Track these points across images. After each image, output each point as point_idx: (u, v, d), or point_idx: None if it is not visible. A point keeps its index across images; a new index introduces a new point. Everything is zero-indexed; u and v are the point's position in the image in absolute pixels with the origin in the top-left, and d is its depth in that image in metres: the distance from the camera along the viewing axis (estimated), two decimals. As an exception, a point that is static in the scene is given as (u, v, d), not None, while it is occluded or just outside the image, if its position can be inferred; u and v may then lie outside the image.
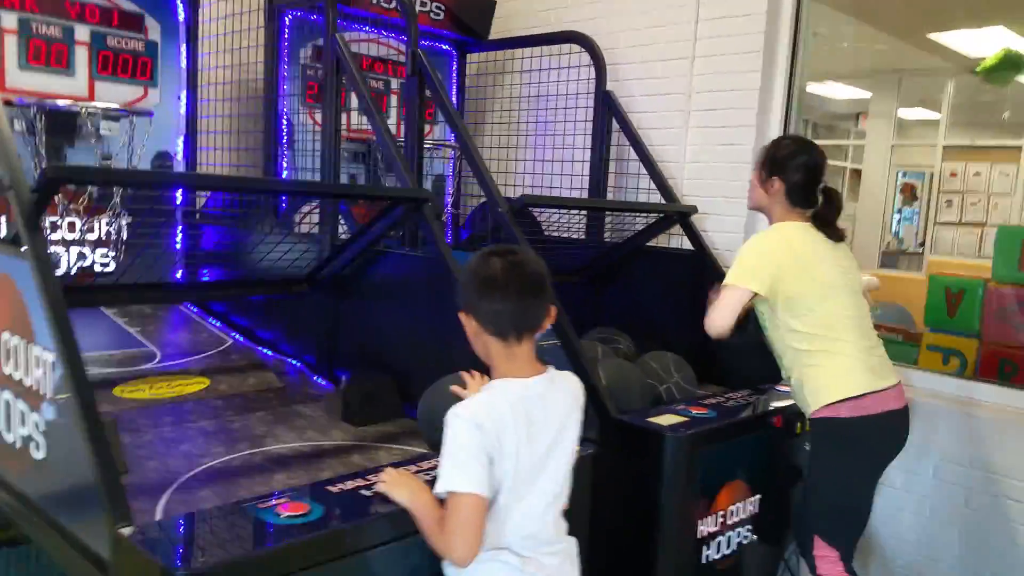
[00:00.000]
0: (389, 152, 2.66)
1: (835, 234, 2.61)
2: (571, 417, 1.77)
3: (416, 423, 2.44)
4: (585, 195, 4.00)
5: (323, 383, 2.92)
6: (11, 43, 2.95)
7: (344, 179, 4.08)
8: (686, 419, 2.48)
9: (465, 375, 2.05)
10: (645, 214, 3.66)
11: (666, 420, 2.46)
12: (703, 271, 3.51)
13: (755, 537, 2.72)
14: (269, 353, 3.11)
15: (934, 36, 7.21)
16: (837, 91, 9.15)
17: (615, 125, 3.89)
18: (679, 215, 3.55)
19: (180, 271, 3.35)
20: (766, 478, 2.72)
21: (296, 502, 1.66)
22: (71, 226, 3.13)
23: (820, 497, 2.51)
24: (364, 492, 1.77)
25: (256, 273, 3.04)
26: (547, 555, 1.69)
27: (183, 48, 3.43)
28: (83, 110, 2.85)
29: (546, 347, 2.82)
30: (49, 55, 3.03)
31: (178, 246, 3.42)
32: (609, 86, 3.91)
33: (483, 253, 1.73)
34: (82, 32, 3.15)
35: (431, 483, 1.68)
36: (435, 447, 2.14)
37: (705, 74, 3.79)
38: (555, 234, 3.67)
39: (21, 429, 1.87)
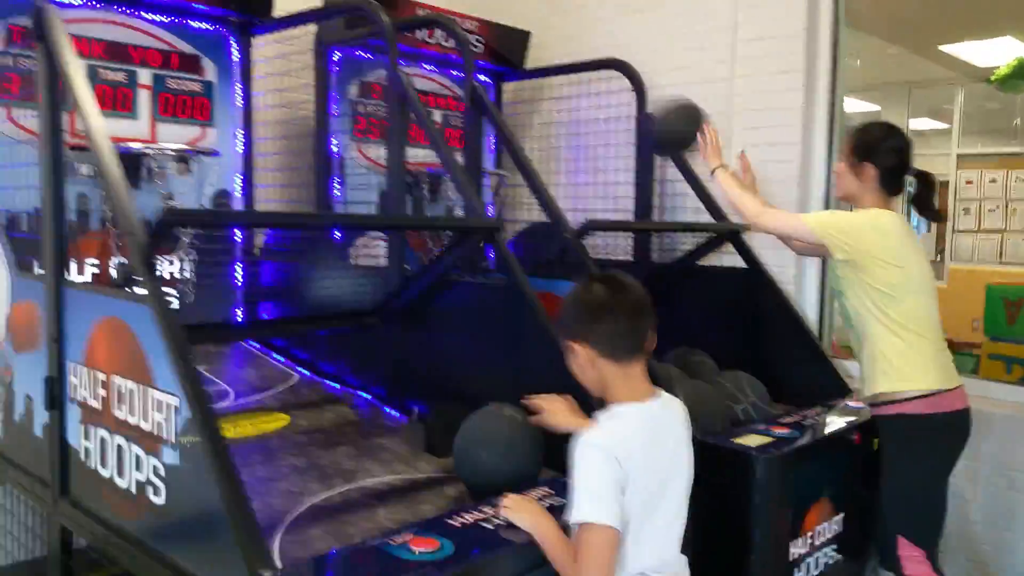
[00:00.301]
0: (461, 184, 2.69)
1: (935, 215, 2.81)
2: (684, 438, 1.79)
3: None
4: (629, 218, 4.04)
5: (395, 414, 2.93)
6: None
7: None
8: (771, 439, 2.50)
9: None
10: (693, 234, 3.71)
11: (751, 441, 2.48)
12: (756, 289, 3.55)
13: (840, 556, 2.72)
14: (336, 386, 3.13)
15: (944, 48, 7.31)
16: (846, 105, 9.21)
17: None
18: (730, 233, 3.58)
19: (244, 308, 3.38)
20: (848, 495, 2.73)
21: (425, 538, 1.67)
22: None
23: (900, 496, 2.56)
24: (485, 525, 1.78)
25: (323, 308, 3.07)
26: None
27: (238, 88, 3.47)
28: (153, 153, 2.88)
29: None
30: (115, 100, 3.08)
31: (238, 281, 3.45)
32: (649, 109, 3.95)
33: (585, 281, 1.79)
34: (144, 76, 3.20)
35: (551, 509, 1.70)
36: (475, 491, 2.11)
37: (745, 94, 3.84)
38: (601, 257, 3.71)
39: (137, 474, 1.88)
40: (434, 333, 2.87)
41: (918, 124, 9.29)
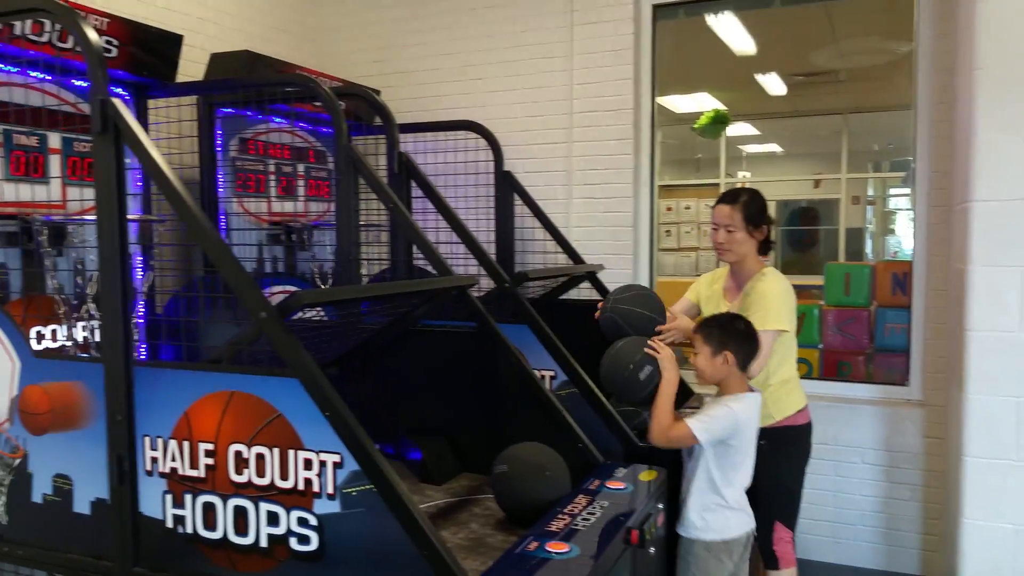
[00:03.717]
0: (422, 243, 3.05)
1: None
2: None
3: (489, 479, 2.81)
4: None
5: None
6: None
7: (267, 262, 4.29)
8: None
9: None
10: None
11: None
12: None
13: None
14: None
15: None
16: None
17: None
18: (588, 274, 4.31)
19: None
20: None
21: (555, 543, 2.13)
22: (53, 335, 3.09)
23: (787, 489, 3.21)
24: (576, 527, 2.26)
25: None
26: None
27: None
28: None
29: (564, 395, 3.40)
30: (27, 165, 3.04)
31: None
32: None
33: (737, 320, 2.76)
34: (54, 139, 3.14)
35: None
36: (513, 513, 2.55)
37: (583, 155, 4.64)
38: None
39: (271, 529, 2.08)
40: (398, 378, 3.22)
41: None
